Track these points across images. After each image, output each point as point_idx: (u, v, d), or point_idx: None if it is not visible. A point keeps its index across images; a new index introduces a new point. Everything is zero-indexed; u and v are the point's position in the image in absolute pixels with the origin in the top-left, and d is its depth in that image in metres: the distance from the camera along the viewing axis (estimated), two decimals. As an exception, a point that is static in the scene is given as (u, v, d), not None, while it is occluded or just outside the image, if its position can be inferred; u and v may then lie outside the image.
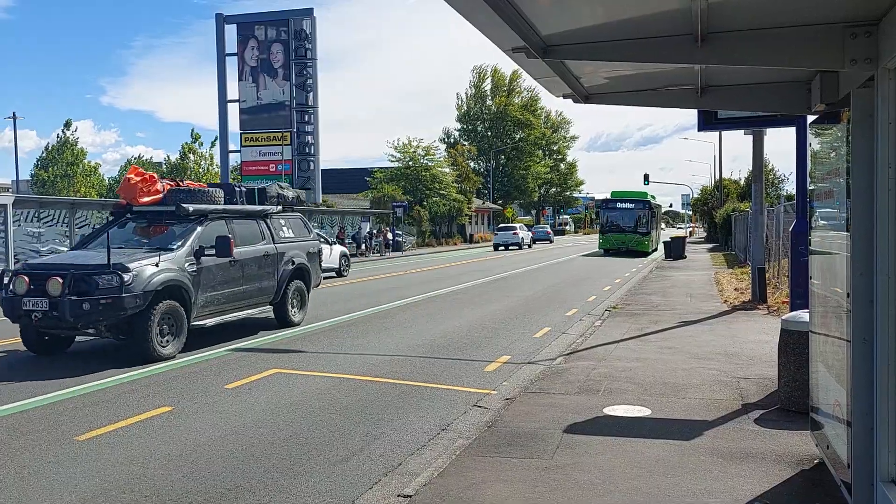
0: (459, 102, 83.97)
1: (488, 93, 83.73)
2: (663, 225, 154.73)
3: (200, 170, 69.11)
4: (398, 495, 5.38)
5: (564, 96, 6.82)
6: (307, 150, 65.53)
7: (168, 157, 70.36)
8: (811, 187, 6.95)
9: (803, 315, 7.12)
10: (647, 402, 7.86)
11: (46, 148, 63.46)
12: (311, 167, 65.26)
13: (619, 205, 44.46)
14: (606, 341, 11.91)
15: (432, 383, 9.22)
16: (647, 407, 7.69)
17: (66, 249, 26.30)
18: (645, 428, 6.97)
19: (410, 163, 63.03)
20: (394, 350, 11.59)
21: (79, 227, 26.98)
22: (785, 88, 6.32)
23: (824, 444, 5.41)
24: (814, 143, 6.28)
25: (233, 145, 67.38)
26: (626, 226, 43.60)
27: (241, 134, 66.41)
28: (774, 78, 6.24)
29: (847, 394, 4.51)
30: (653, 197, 49.16)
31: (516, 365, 10.33)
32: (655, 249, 46.65)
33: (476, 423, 7.30)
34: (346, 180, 72.34)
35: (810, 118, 6.70)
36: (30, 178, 61.84)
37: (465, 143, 79.83)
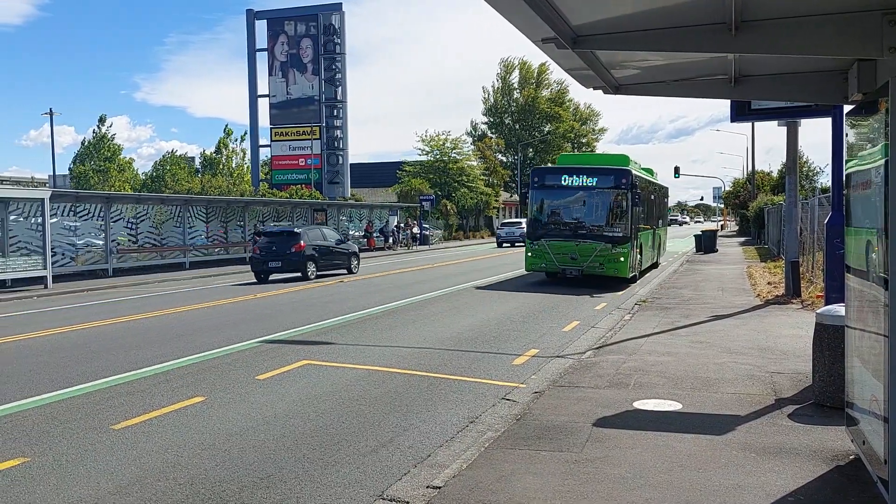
0: (486, 95, 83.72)
1: (516, 85, 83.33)
2: (687, 218, 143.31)
3: (233, 164, 69.84)
4: (428, 486, 5.40)
5: (595, 87, 6.77)
6: (336, 145, 65.93)
7: (204, 151, 71.18)
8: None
9: (839, 309, 7.00)
10: (678, 397, 7.79)
11: (83, 143, 64.62)
12: (340, 161, 65.64)
13: (567, 180, 20.58)
14: (636, 335, 11.82)
15: (460, 376, 9.23)
16: (678, 401, 7.62)
17: (101, 243, 26.81)
18: (676, 422, 6.91)
19: (439, 155, 63.03)
20: (422, 343, 11.62)
21: (114, 221, 27.43)
22: (821, 78, 6.21)
23: (860, 439, 5.32)
24: (850, 133, 6.15)
25: (263, 140, 68.05)
26: (581, 224, 20.49)
27: (271, 129, 67.05)
28: (810, 67, 6.13)
29: (884, 389, 4.43)
30: (648, 171, 26.24)
31: (545, 358, 10.30)
32: (654, 265, 26.19)
33: (505, 415, 7.30)
34: (374, 174, 72.63)
35: (847, 108, 6.57)
36: (67, 173, 63.02)
37: (493, 135, 79.60)
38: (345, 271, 25.86)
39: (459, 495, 5.17)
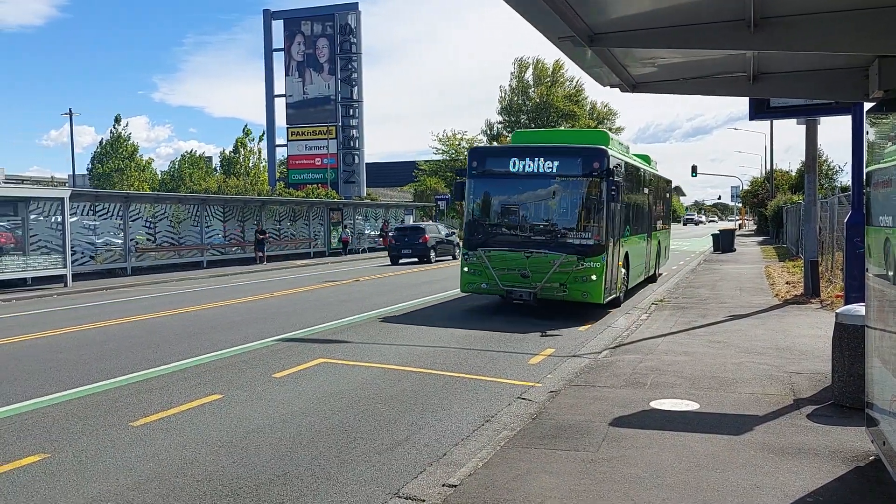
0: (502, 94, 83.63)
1: (531, 83, 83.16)
2: (703, 218, 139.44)
3: (250, 163, 70.27)
4: (443, 485, 5.40)
5: (611, 86, 6.74)
6: (352, 144, 66.13)
7: (224, 150, 71.68)
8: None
9: (859, 309, 6.93)
10: (696, 397, 7.74)
11: (101, 143, 65.24)
12: (356, 160, 65.83)
13: (517, 165, 14.46)
14: (653, 335, 11.76)
15: (476, 375, 9.23)
16: (695, 401, 7.57)
17: (119, 242, 27.06)
18: (693, 422, 6.87)
19: (454, 154, 63.05)
20: (437, 342, 11.63)
21: (132, 220, 27.68)
22: (840, 75, 6.14)
23: (881, 440, 5.26)
24: (871, 132, 6.08)
25: (280, 139, 68.42)
26: (535, 227, 14.62)
27: (287, 128, 67.39)
28: (830, 64, 6.07)
29: (905, 389, 4.37)
30: (643, 158, 20.58)
31: (561, 358, 10.27)
32: (651, 278, 20.70)
33: (520, 414, 7.29)
34: (390, 174, 72.80)
35: (867, 105, 6.49)
36: (87, 173, 63.66)
37: (508, 134, 79.50)
38: (450, 257, 33.01)
39: (475, 494, 5.17)
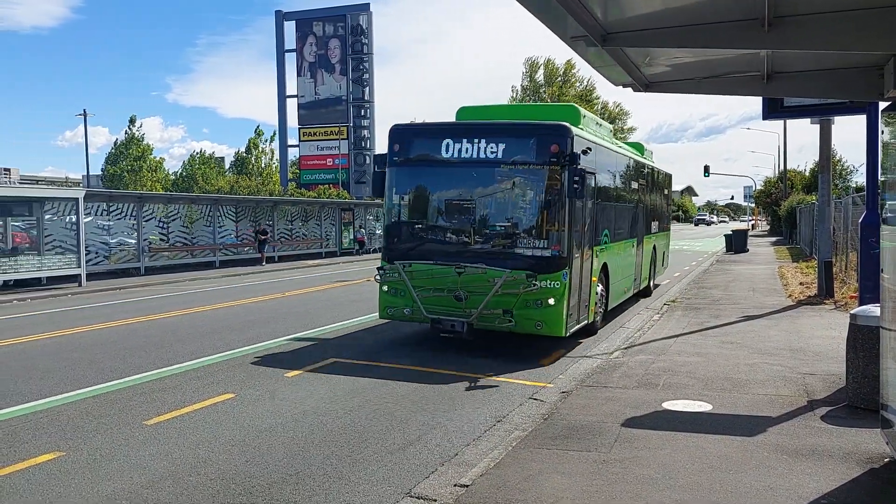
0: (514, 94, 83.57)
1: (542, 83, 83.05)
2: (715, 218, 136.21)
3: (262, 164, 70.53)
4: (455, 485, 5.41)
5: (624, 85, 6.73)
6: (363, 145, 66.27)
7: (238, 150, 72.02)
8: (882, 178, 6.69)
9: (874, 310, 6.88)
10: (708, 398, 7.71)
11: (115, 144, 65.68)
12: (367, 161, 65.91)
13: (451, 149, 10.71)
14: (665, 335, 11.71)
15: (487, 375, 9.22)
16: (707, 402, 7.54)
17: (133, 241, 27.25)
18: (706, 423, 6.84)
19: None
20: (448, 342, 11.62)
21: (146, 220, 27.86)
22: (855, 74, 6.10)
23: (895, 442, 5.22)
24: (886, 131, 6.03)
25: (292, 140, 68.65)
26: (473, 232, 10.79)
27: (299, 129, 67.60)
28: (844, 63, 6.03)
29: (921, 390, 4.34)
30: (635, 147, 18.18)
31: (572, 359, 10.25)
32: (643, 292, 17.29)
33: (532, 415, 7.28)
34: (402, 174, 72.69)
35: (882, 105, 6.44)
36: (100, 174, 64.10)
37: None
38: None
39: (487, 494, 5.17)
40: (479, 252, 10.47)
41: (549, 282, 10.04)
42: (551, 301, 10.05)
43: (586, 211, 11.26)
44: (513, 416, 7.31)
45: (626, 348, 10.69)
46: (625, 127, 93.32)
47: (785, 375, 8.67)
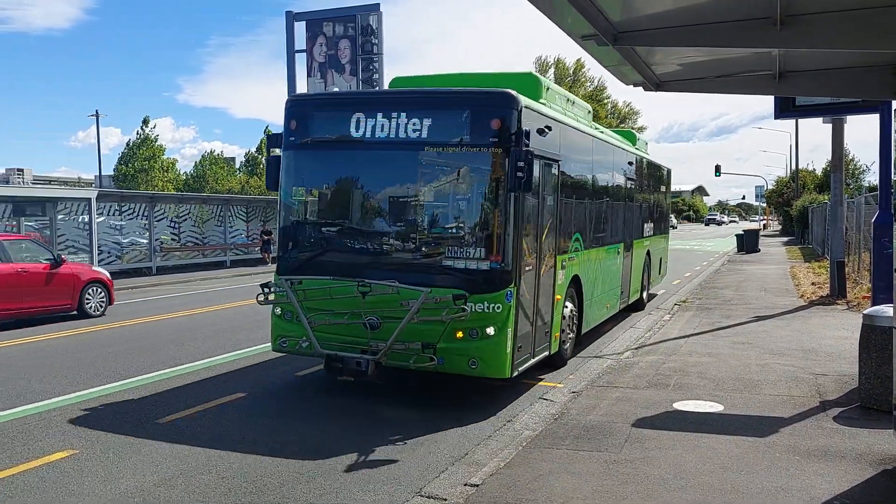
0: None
1: (552, 82, 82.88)
2: (725, 218, 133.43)
3: (270, 164, 70.66)
4: (465, 484, 5.41)
5: (635, 84, 6.72)
6: (373, 145, 66.35)
7: (249, 150, 72.31)
8: (895, 177, 6.66)
9: (887, 310, 6.84)
10: (720, 398, 7.68)
11: (128, 144, 66.04)
12: (378, 161, 65.97)
13: (365, 127, 8.06)
14: (676, 336, 11.68)
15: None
16: (719, 402, 7.51)
17: (145, 241, 27.41)
18: (717, 424, 6.82)
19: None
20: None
21: (157, 220, 28.00)
22: (868, 73, 6.07)
23: (909, 443, 5.19)
24: (900, 129, 6.00)
25: (301, 140, 68.72)
26: (386, 236, 8.20)
27: (309, 129, 67.71)
28: (857, 62, 6.00)
29: (935, 391, 4.31)
30: (628, 136, 15.75)
31: (583, 359, 10.23)
32: (634, 305, 14.78)
33: (542, 415, 7.27)
34: (412, 174, 72.71)
35: (895, 104, 6.41)
36: (112, 174, 64.46)
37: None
38: None
39: (496, 493, 5.17)
40: (393, 264, 7.89)
41: (486, 304, 7.45)
42: (490, 330, 7.44)
43: (545, 209, 8.74)
44: (523, 417, 7.30)
45: (636, 348, 10.67)
46: (635, 126, 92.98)
47: (797, 376, 8.63)
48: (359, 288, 7.63)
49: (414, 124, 7.82)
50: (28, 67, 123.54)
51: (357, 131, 8.06)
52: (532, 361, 8.41)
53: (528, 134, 7.46)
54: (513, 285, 7.60)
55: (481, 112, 7.63)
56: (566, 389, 8.34)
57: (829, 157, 17.08)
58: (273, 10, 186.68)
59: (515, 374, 7.85)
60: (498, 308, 7.50)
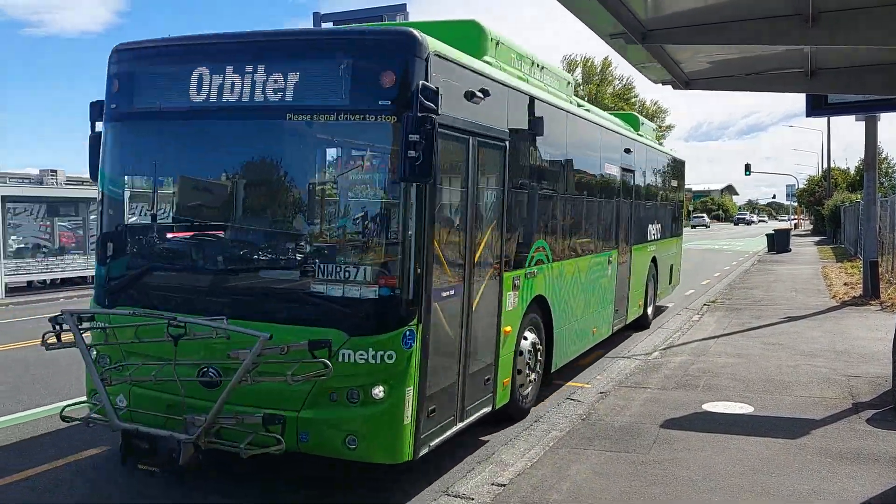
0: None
1: (580, 81, 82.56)
2: (755, 218, 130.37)
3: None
4: (492, 484, 5.41)
5: (664, 83, 6.67)
6: (400, 145, 66.58)
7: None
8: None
9: (922, 310, 6.70)
10: (750, 399, 7.59)
11: (156, 146, 67.00)
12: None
13: (209, 86, 5.37)
14: (705, 336, 11.56)
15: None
16: (749, 404, 7.43)
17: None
18: (747, 425, 6.74)
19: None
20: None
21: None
22: (904, 69, 5.96)
23: (946, 446, 5.08)
24: (936, 126, 5.88)
25: (328, 140, 69.26)
26: (227, 258, 5.69)
27: (335, 129, 68.17)
28: (890, 59, 5.90)
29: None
30: (629, 119, 13.03)
31: (610, 359, 10.18)
32: (642, 320, 12.44)
33: (570, 415, 7.24)
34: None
35: (932, 101, 6.29)
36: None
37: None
38: None
39: (524, 493, 5.17)
40: (235, 290, 5.52)
41: (372, 352, 5.00)
42: (377, 392, 5.01)
43: (484, 208, 6.28)
44: (550, 416, 7.28)
45: (665, 349, 10.58)
46: (663, 125, 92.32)
47: (828, 377, 8.50)
48: (168, 329, 4.88)
49: (275, 82, 5.27)
50: (62, 70, 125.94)
51: (198, 93, 5.47)
52: (456, 428, 5.89)
53: (438, 95, 5.00)
54: (415, 321, 5.09)
55: (367, 62, 5.19)
56: (594, 390, 8.30)
57: (862, 156, 16.80)
58: (298, 11, 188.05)
59: (425, 451, 5.36)
60: (390, 357, 4.98)
